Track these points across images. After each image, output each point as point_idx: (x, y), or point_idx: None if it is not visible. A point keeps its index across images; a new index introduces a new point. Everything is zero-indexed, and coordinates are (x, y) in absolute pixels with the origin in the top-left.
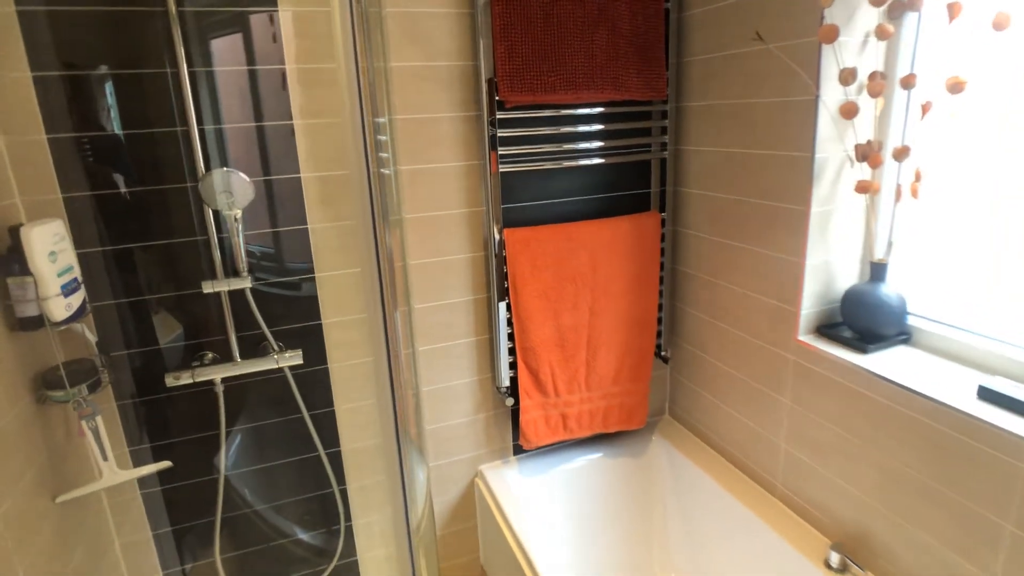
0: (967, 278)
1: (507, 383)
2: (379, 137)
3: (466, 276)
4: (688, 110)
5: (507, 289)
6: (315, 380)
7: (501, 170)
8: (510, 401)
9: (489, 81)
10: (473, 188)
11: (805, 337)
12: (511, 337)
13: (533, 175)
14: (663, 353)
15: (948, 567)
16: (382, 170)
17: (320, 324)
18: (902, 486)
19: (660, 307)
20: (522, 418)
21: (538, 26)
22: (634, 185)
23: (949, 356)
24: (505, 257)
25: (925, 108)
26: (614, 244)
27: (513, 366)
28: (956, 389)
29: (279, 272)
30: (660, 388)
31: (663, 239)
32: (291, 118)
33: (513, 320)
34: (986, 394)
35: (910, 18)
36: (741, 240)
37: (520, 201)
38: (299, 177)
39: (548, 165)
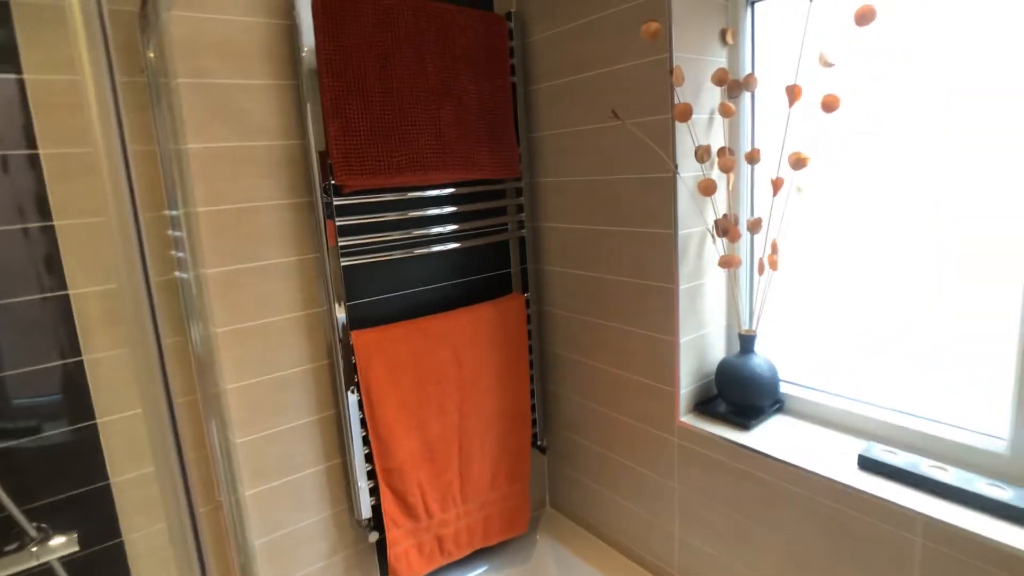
0: (832, 344)
1: (368, 513)
2: (173, 233)
3: (306, 392)
4: (544, 186)
5: (360, 402)
6: (103, 563)
7: (343, 263)
8: (374, 536)
9: (322, 162)
10: (309, 286)
11: (686, 417)
12: (369, 458)
13: (381, 266)
14: (540, 443)
15: None
16: (178, 274)
17: (108, 484)
18: (804, 568)
19: (532, 394)
20: (390, 552)
21: (376, 101)
22: (493, 267)
23: (823, 422)
24: (355, 364)
25: (776, 184)
26: (478, 334)
27: (375, 491)
28: (837, 461)
29: (35, 424)
30: (539, 480)
31: (529, 320)
32: (49, 218)
33: (371, 438)
34: (866, 463)
35: (748, 97)
36: (610, 319)
37: (368, 296)
38: (67, 295)
39: (397, 254)
